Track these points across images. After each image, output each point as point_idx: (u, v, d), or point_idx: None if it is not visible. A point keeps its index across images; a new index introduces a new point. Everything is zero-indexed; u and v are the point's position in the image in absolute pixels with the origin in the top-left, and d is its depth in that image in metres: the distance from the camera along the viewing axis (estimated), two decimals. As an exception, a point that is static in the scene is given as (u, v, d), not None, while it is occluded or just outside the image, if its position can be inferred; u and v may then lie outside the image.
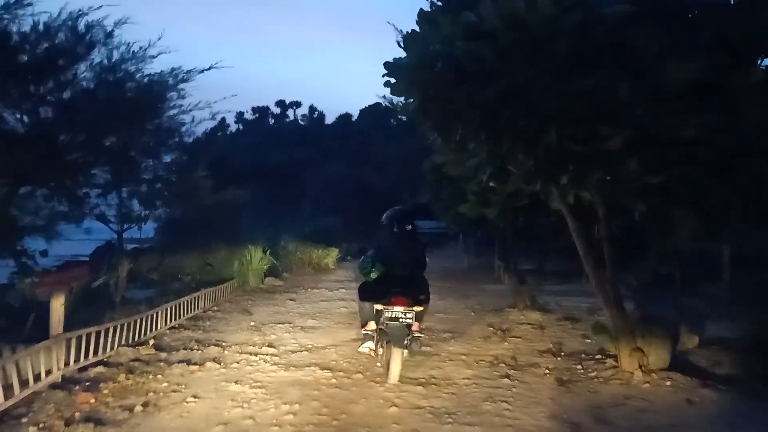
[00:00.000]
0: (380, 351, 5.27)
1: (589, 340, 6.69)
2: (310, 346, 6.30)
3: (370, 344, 5.27)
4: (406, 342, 4.88)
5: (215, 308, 8.96)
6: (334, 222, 20.25)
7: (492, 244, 20.88)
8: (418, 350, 5.49)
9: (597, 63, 3.78)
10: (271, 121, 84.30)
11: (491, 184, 5.51)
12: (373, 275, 5.19)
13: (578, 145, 4.23)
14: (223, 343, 6.30)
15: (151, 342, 6.01)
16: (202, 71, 7.12)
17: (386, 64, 4.68)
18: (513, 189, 5.54)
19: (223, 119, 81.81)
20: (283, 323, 7.65)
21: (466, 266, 18.88)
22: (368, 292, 5.25)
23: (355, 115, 77.37)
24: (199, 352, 5.87)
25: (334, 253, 18.58)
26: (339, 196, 39.49)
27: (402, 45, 4.84)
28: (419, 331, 5.43)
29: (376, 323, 5.17)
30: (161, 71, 6.56)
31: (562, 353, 6.01)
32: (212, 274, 11.07)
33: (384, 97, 15.82)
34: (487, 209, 7.20)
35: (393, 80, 4.84)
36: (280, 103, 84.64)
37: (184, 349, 5.98)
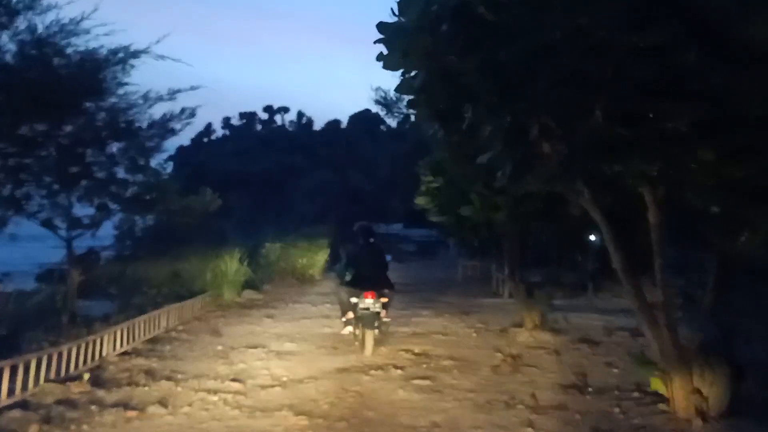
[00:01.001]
0: (357, 332, 6.62)
1: (616, 370, 5.67)
2: (284, 379, 5.19)
3: (350, 328, 6.70)
4: (376, 324, 6.32)
5: (180, 327, 7.82)
6: (320, 229, 19.09)
7: (488, 254, 19.94)
8: (387, 331, 6.94)
9: (664, 11, 2.78)
10: (259, 126, 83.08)
11: (507, 183, 4.46)
12: (348, 278, 6.74)
13: (631, 128, 3.23)
14: (179, 376, 5.17)
15: (87, 376, 4.87)
16: (146, 50, 6.04)
17: (380, 26, 3.65)
18: (533, 189, 4.52)
19: (209, 124, 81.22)
20: (256, 347, 6.54)
21: (461, 277, 17.83)
22: (350, 285, 6.67)
23: (344, 121, 76.50)
24: (146, 388, 4.74)
25: (320, 262, 17.48)
26: (326, 202, 38.34)
27: (397, 11, 3.81)
28: (386, 317, 6.70)
29: (354, 312, 6.48)
30: (97, 47, 5.51)
31: (590, 388, 4.97)
32: (182, 286, 9.92)
33: (378, 89, 14.84)
34: (494, 214, 6.18)
35: (386, 51, 3.83)
36: (268, 109, 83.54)
37: (129, 384, 4.86)
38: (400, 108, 15.18)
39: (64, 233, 7.34)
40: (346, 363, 5.90)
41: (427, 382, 5.10)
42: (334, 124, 77.22)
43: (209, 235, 10.95)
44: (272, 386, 4.90)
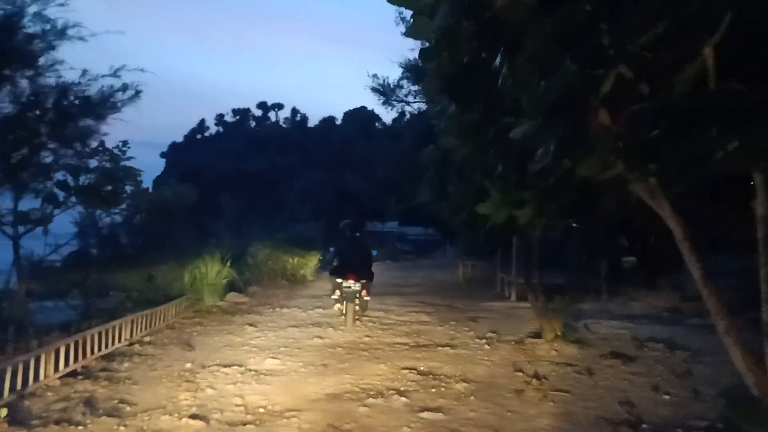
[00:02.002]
0: (343, 309, 7.91)
1: (667, 397, 4.67)
2: (261, 411, 4.15)
3: (339, 305, 8.04)
4: (356, 300, 7.81)
5: (147, 339, 6.76)
6: (313, 228, 18.02)
7: (490, 254, 18.95)
8: (365, 306, 8.26)
9: None
10: (253, 123, 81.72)
11: (550, 164, 3.43)
12: (335, 263, 8.37)
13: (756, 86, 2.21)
14: (127, 409, 4.12)
15: (4, 412, 3.80)
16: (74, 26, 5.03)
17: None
18: (583, 174, 3.49)
19: (203, 121, 79.83)
20: (231, 365, 5.49)
21: (462, 279, 16.81)
22: (334, 272, 8.23)
23: (339, 118, 75.41)
24: (79, 429, 3.69)
25: (312, 262, 16.42)
26: (321, 200, 37.38)
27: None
28: (366, 296, 8.13)
29: (340, 291, 7.89)
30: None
31: (644, 425, 3.96)
32: (157, 290, 8.85)
33: (374, 77, 13.79)
34: (517, 211, 5.15)
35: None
36: (262, 105, 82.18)
37: (58, 422, 3.80)
38: (398, 96, 14.18)
39: (9, 230, 6.27)
40: (338, 386, 4.87)
41: (439, 416, 4.08)
42: (329, 121, 75.94)
43: (188, 233, 9.88)
44: (243, 424, 3.85)
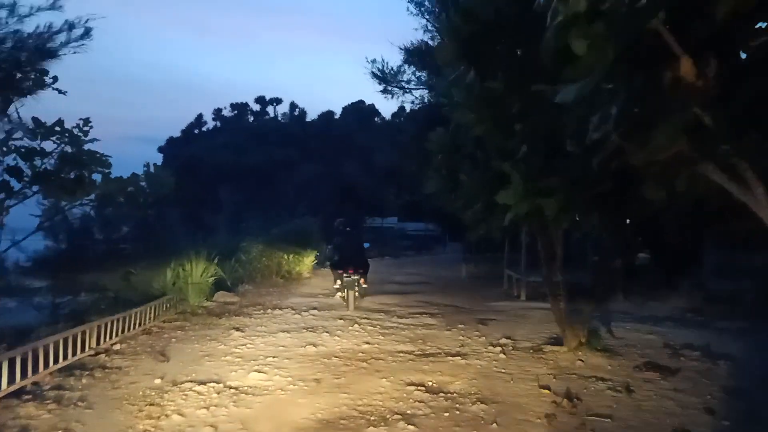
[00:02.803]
0: (344, 296, 9.09)
1: (727, 422, 3.89)
2: (236, 447, 3.37)
3: (341, 294, 9.28)
4: (356, 288, 9.02)
5: (118, 346, 5.97)
6: (311, 222, 17.19)
7: (495, 250, 18.17)
8: (363, 293, 9.57)
9: None
10: (251, 118, 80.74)
11: (612, 130, 2.63)
12: (335, 258, 9.65)
13: None
14: (68, 444, 3.34)
15: None
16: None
17: None
18: (659, 145, 2.69)
19: (200, 116, 78.81)
20: (206, 382, 4.69)
21: (465, 276, 16.02)
22: (335, 266, 9.64)
23: (338, 113, 74.54)
24: (-2, 475, 2.91)
25: (309, 258, 15.61)
26: (319, 195, 36.62)
27: None
28: (365, 284, 9.45)
29: (341, 281, 9.15)
30: None
31: (714, 465, 3.18)
32: (137, 289, 8.06)
33: (374, 62, 12.95)
34: (544, 201, 4.36)
35: None
36: (260, 100, 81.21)
37: (-24, 464, 3.02)
38: (399, 82, 13.33)
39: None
40: (332, 408, 4.08)
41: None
42: (328, 115, 74.93)
43: (172, 226, 9.10)
44: (211, 466, 3.06)
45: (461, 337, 6.85)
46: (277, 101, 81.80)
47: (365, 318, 8.05)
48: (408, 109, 18.13)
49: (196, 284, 8.61)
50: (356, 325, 7.39)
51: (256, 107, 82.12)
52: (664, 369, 5.26)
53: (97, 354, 5.58)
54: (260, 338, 6.55)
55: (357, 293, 9.09)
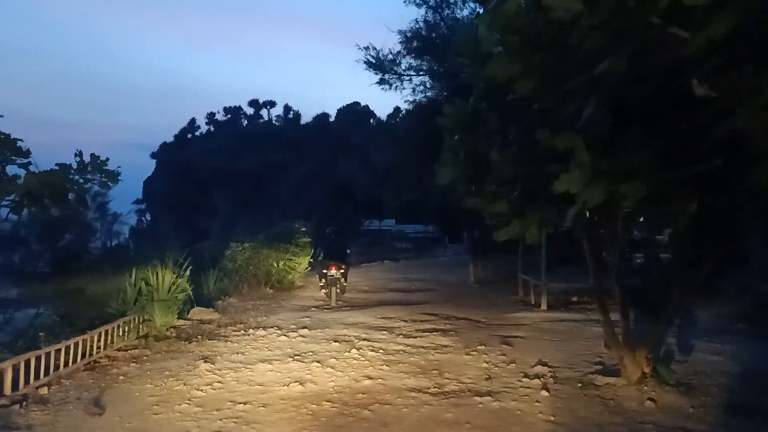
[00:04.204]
0: (327, 291, 10.27)
1: None
2: None
3: (325, 290, 10.40)
4: (337, 285, 10.30)
5: (45, 390, 4.60)
6: (304, 224, 15.75)
7: (504, 251, 16.80)
8: (344, 290, 10.79)
9: None
10: (245, 122, 79.31)
11: None
12: (321, 258, 10.81)
13: None
14: None
15: None
16: None
17: None
18: None
19: (193, 120, 77.36)
20: (144, 451, 3.33)
21: (473, 281, 14.63)
22: (320, 265, 10.73)
23: (333, 115, 73.29)
24: None
25: (302, 264, 14.14)
26: (314, 196, 35.31)
27: None
28: (345, 282, 10.77)
29: (325, 279, 10.32)
30: None
31: None
32: (91, 306, 6.70)
33: (368, 48, 11.59)
34: (625, 184, 3.00)
35: None
36: (254, 103, 79.74)
37: None
38: (396, 70, 11.98)
39: None
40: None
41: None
42: (323, 117, 73.53)
43: (137, 233, 7.73)
44: None
45: (485, 364, 5.50)
46: (271, 104, 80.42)
47: (365, 339, 6.69)
48: (407, 100, 16.83)
49: (163, 301, 7.22)
50: (354, 350, 6.03)
51: (250, 110, 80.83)
52: (758, 412, 3.92)
53: (12, 404, 4.21)
54: (233, 373, 5.17)
55: (338, 290, 10.44)
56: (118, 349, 6.17)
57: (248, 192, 52.61)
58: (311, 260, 14.87)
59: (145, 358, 5.87)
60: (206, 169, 60.06)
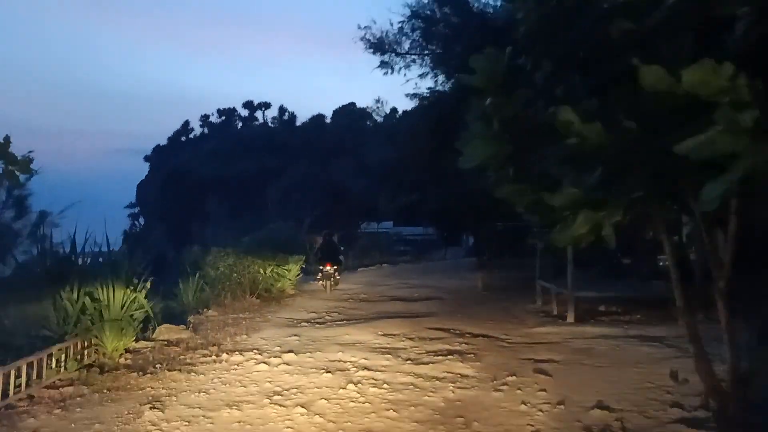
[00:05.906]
0: (324, 283, 12.43)
1: None
2: None
3: (322, 282, 12.50)
4: (331, 279, 12.50)
5: None
6: (294, 227, 14.42)
7: (517, 255, 15.45)
8: (337, 282, 12.86)
9: None
10: (239, 124, 77.87)
11: None
12: (318, 256, 13.09)
13: None
14: None
15: None
16: None
17: None
18: None
19: (187, 122, 75.82)
20: None
21: (482, 287, 13.24)
22: (316, 262, 13.11)
23: (328, 117, 72.03)
24: None
25: (293, 270, 12.72)
26: (309, 198, 34.02)
27: None
28: (338, 276, 13.02)
29: (322, 274, 12.53)
30: None
31: None
32: (14, 331, 5.31)
33: (367, 28, 10.24)
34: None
35: None
36: (248, 105, 78.31)
37: None
38: (399, 50, 10.62)
39: None
40: None
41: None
42: (318, 119, 72.15)
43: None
44: None
45: (524, 407, 4.14)
46: (266, 106, 79.04)
47: (365, 367, 5.32)
48: (412, 85, 15.44)
49: (115, 321, 5.83)
50: (351, 386, 4.66)
51: (245, 112, 79.50)
52: None
53: None
54: (185, 427, 3.80)
55: (332, 282, 12.44)
56: (48, 386, 4.80)
57: (242, 195, 51.23)
58: (303, 266, 13.58)
59: (78, 399, 4.49)
60: (200, 172, 58.73)
